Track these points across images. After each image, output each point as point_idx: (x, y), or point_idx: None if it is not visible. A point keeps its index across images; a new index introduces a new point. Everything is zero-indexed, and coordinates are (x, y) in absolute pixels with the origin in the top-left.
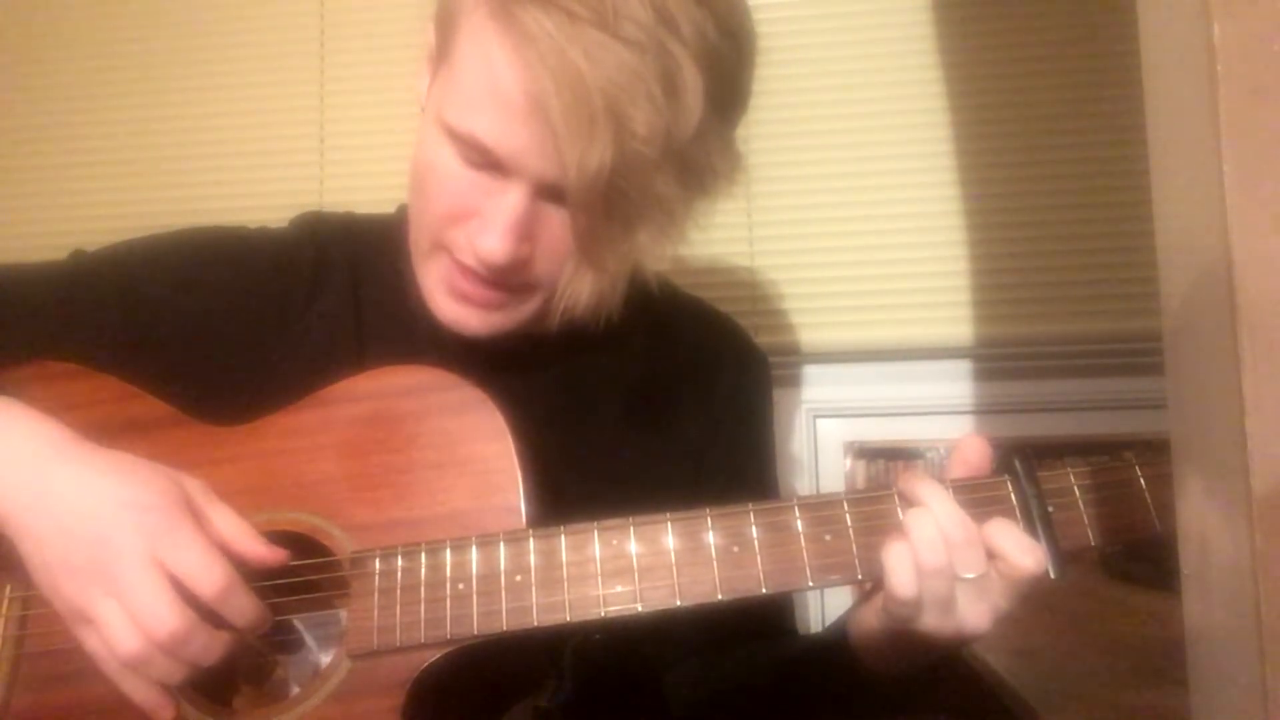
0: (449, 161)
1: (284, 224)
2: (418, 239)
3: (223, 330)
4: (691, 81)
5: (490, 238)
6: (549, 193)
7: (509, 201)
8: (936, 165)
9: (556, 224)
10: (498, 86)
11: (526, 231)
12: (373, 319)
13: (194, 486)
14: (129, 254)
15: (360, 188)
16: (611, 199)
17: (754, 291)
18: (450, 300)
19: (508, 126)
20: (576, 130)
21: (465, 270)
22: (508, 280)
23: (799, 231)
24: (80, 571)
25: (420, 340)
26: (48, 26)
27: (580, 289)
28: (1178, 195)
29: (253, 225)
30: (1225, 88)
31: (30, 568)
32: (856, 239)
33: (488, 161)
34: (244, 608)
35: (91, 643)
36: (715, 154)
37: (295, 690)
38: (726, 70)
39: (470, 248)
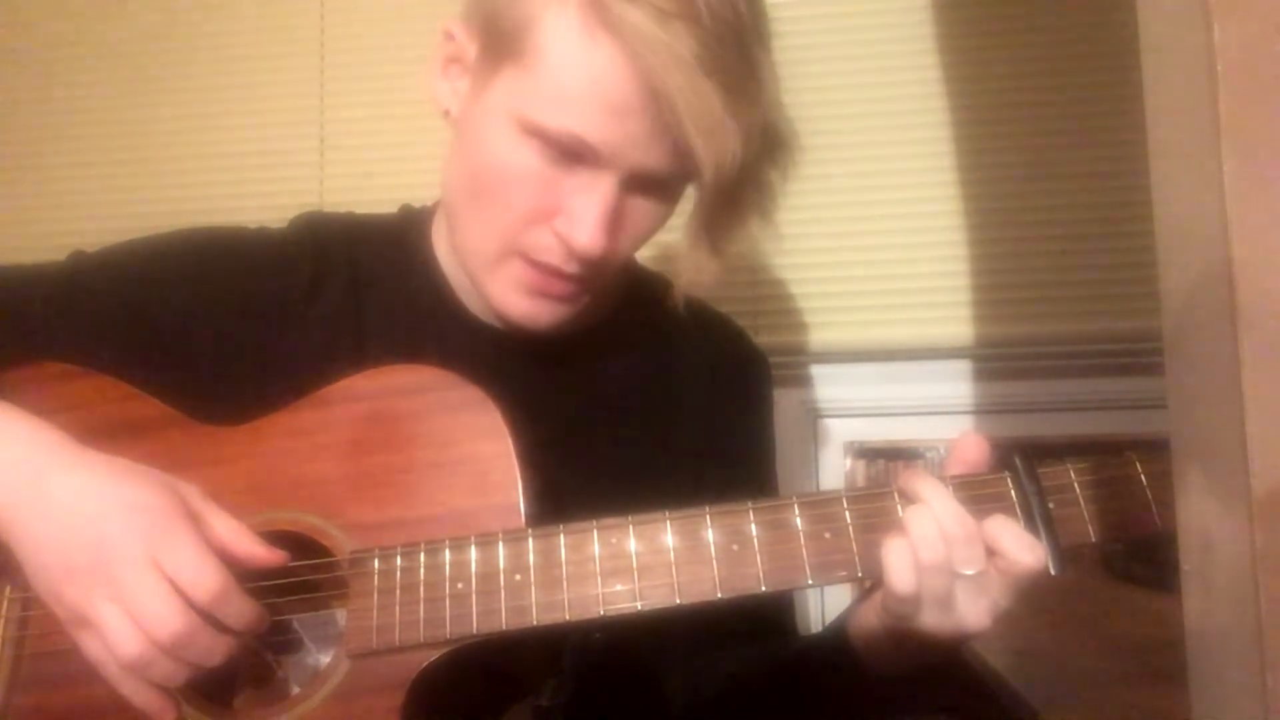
0: (528, 161)
1: (283, 224)
2: (484, 245)
3: (222, 330)
4: (769, 71)
5: (585, 232)
6: (638, 182)
7: (600, 193)
8: (937, 165)
9: (636, 212)
10: (607, 83)
11: (615, 223)
12: (373, 319)
13: (190, 491)
14: (128, 254)
15: (360, 188)
16: (730, 188)
17: (754, 291)
18: (528, 299)
19: (618, 121)
20: (709, 129)
21: (544, 269)
22: (588, 272)
23: (800, 231)
24: (80, 575)
25: (421, 340)
26: (48, 27)
27: (701, 274)
28: (1178, 195)
29: (252, 225)
30: (1225, 88)
31: (29, 573)
32: (857, 239)
33: (578, 157)
34: (241, 611)
35: (92, 647)
36: (786, 131)
37: (295, 690)
38: (772, 56)
39: (557, 245)
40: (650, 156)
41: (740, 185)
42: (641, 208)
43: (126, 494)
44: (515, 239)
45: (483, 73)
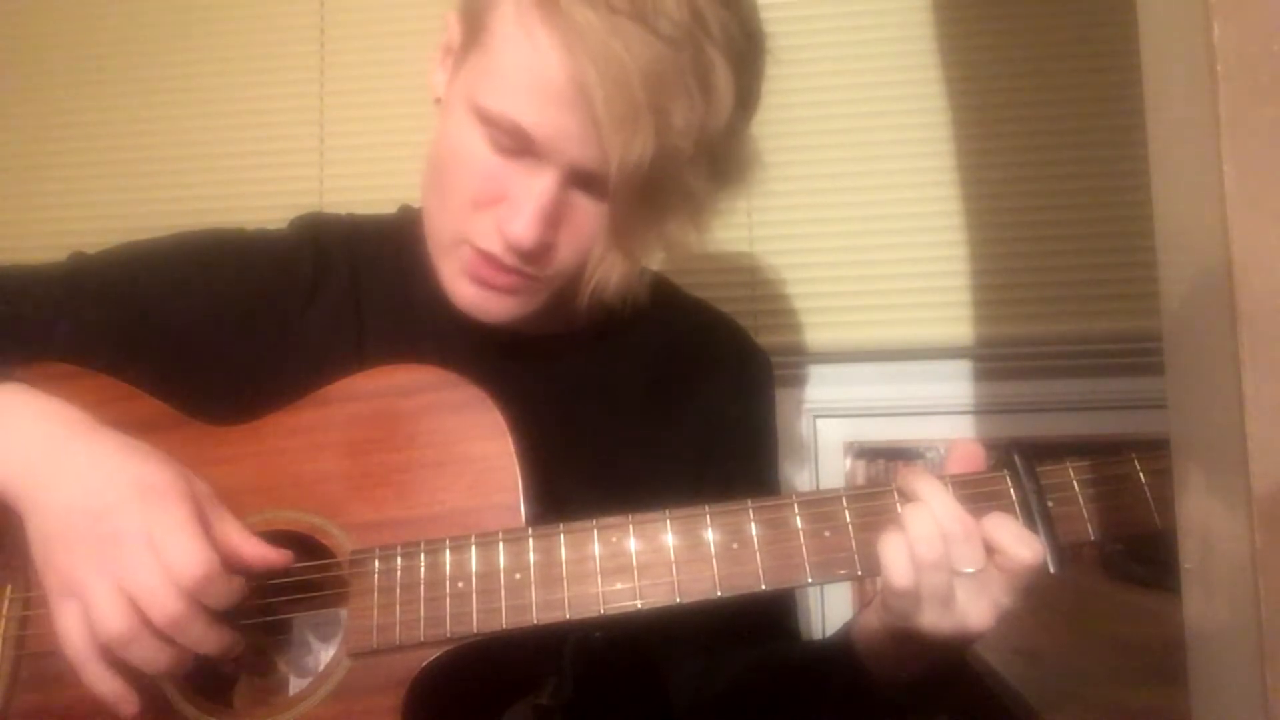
0: (477, 147)
1: (283, 225)
2: (438, 231)
3: (222, 331)
4: (723, 79)
5: (519, 222)
6: (579, 180)
7: (539, 186)
8: (937, 165)
9: (581, 213)
10: (540, 72)
11: (554, 218)
12: (373, 319)
13: (201, 488)
14: (129, 256)
15: (360, 188)
16: (645, 189)
17: (754, 291)
18: (471, 286)
19: (548, 111)
20: (620, 121)
21: (487, 257)
22: (529, 268)
23: (799, 231)
24: (79, 544)
25: (421, 340)
26: (47, 26)
27: (610, 273)
28: (1178, 195)
29: (252, 226)
30: (1225, 88)
31: (31, 541)
32: (857, 239)
33: (521, 147)
34: (228, 593)
35: (66, 621)
36: (739, 149)
37: (295, 689)
38: (749, 70)
39: (496, 233)
40: (587, 153)
41: (659, 188)
42: (586, 208)
43: (139, 472)
44: (463, 225)
45: (459, 58)
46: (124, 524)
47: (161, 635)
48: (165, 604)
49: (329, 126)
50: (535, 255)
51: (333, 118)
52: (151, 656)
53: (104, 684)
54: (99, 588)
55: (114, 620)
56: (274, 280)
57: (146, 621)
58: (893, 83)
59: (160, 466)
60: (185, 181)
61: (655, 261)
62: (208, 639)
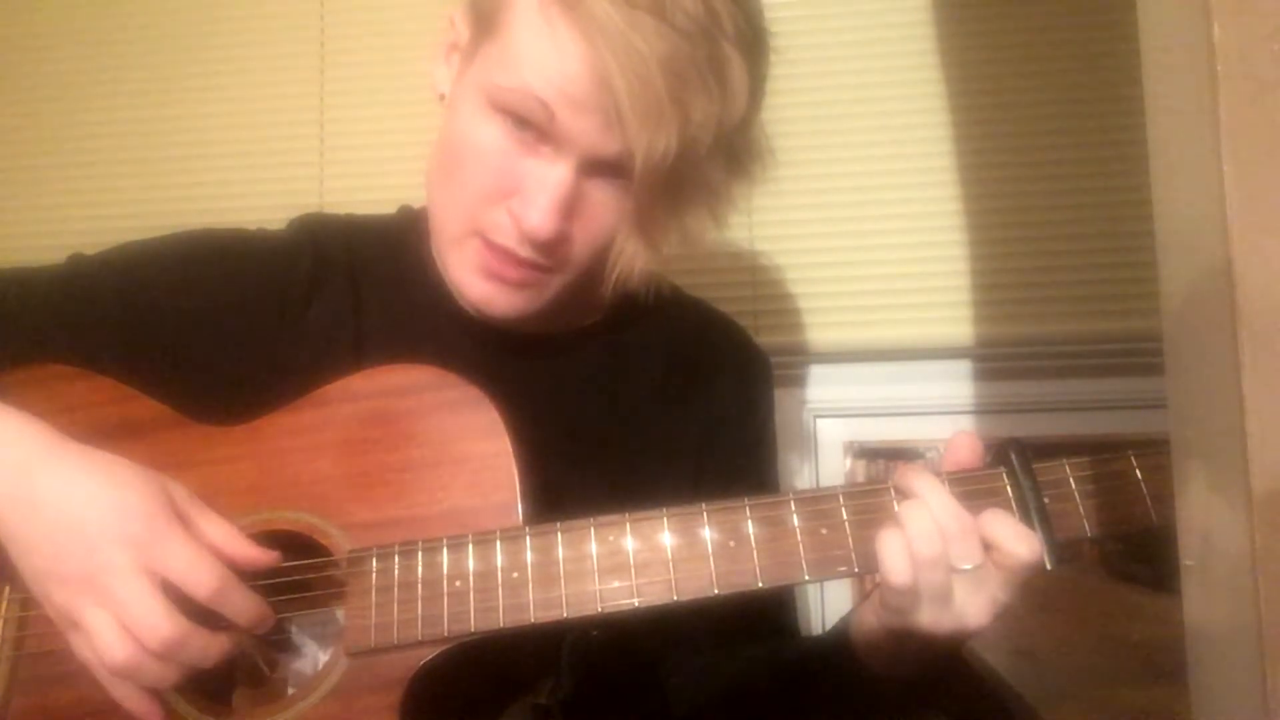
0: (493, 138)
1: (283, 225)
2: (446, 224)
3: (221, 331)
4: (738, 73)
5: (535, 213)
6: (593, 170)
7: (556, 176)
8: (937, 165)
9: (595, 204)
10: (561, 59)
11: (569, 209)
12: (371, 319)
13: (179, 492)
14: (127, 257)
15: (360, 188)
16: (666, 181)
17: (754, 291)
18: (482, 280)
19: (568, 95)
20: (644, 115)
21: (499, 250)
22: (544, 259)
23: (800, 231)
24: (69, 581)
25: (419, 340)
26: (48, 27)
27: (633, 263)
28: (1178, 195)
29: (252, 226)
30: (1225, 88)
31: (22, 573)
32: (857, 239)
33: (537, 134)
34: (243, 606)
35: (82, 649)
36: (753, 142)
37: (294, 689)
38: (758, 64)
39: (511, 225)
40: (606, 142)
41: (680, 180)
42: (601, 199)
43: (115, 497)
44: (475, 218)
45: (468, 54)
46: (111, 559)
47: (163, 658)
48: (159, 630)
49: (329, 126)
50: (551, 246)
51: (333, 118)
52: (160, 676)
53: (130, 701)
54: (97, 622)
55: (116, 652)
56: (272, 280)
57: (146, 648)
58: (893, 83)
59: (135, 486)
60: (186, 181)
61: (657, 261)
62: (207, 652)
